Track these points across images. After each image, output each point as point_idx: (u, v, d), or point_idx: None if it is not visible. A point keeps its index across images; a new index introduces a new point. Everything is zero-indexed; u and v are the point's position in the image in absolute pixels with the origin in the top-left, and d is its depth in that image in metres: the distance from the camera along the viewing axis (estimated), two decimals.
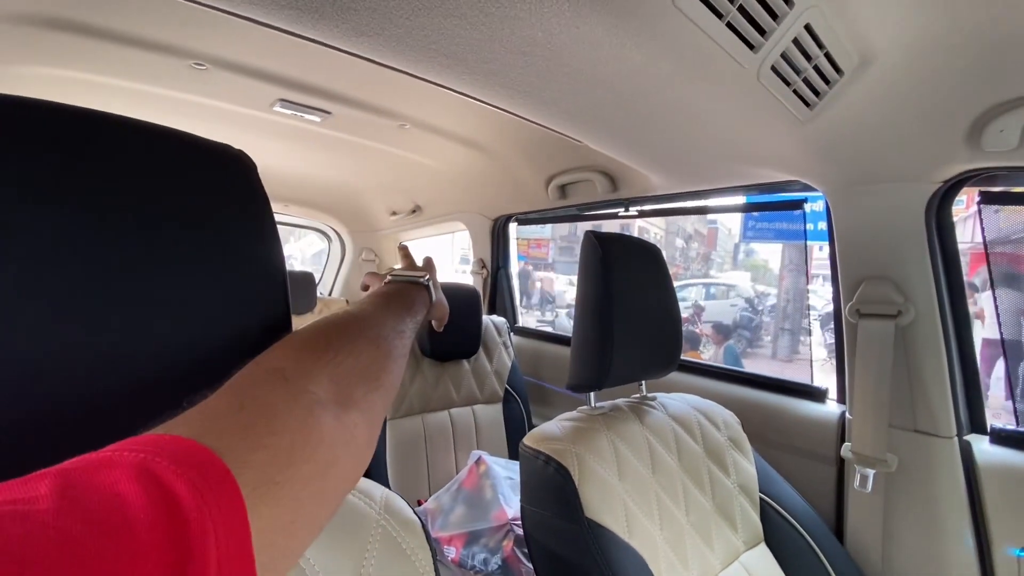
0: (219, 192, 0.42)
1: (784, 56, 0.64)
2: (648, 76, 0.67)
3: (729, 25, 0.57)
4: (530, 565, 1.07)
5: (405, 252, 0.74)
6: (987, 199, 0.89)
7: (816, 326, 6.30)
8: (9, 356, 0.29)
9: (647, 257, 0.94)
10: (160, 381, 0.35)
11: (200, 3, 0.63)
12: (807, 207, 1.12)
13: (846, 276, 0.98)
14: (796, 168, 0.94)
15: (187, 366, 0.37)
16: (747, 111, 0.74)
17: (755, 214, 6.90)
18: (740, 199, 1.26)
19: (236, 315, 0.40)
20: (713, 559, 0.83)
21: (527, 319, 1.98)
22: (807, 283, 6.83)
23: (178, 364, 0.36)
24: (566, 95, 0.73)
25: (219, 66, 1.04)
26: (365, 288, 0.70)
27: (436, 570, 0.51)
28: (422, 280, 0.60)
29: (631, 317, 0.86)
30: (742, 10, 0.56)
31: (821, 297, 7.06)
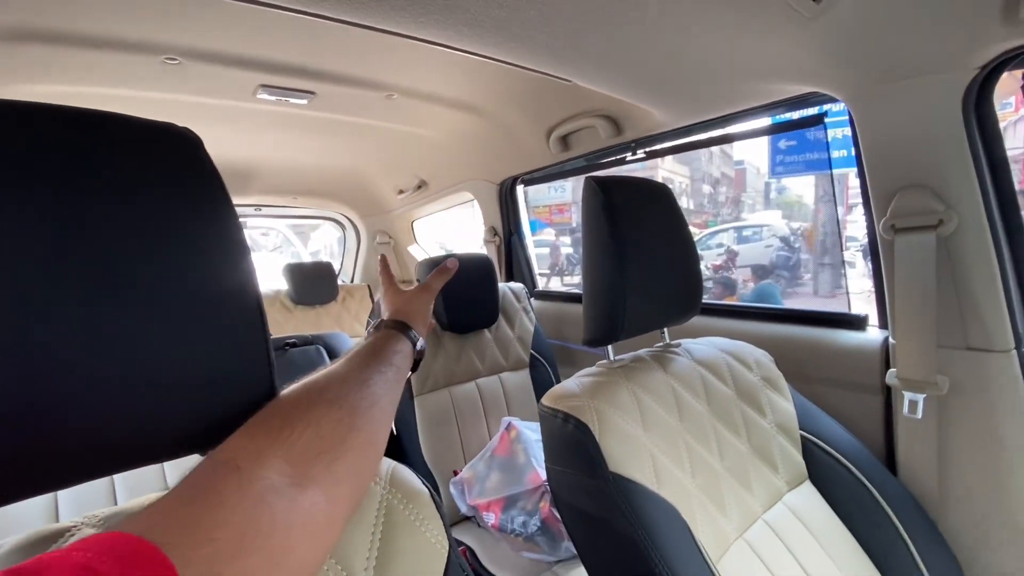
0: (164, 174, 0.40)
1: None
2: None
3: None
4: None
5: (384, 264, 0.73)
6: None
7: (859, 256, 6.02)
8: None
9: (655, 198, 0.88)
10: (110, 384, 0.34)
11: None
12: (828, 121, 1.02)
13: (877, 189, 0.90)
14: (810, 76, 0.85)
15: (144, 364, 0.35)
16: (747, 15, 0.66)
17: (783, 147, 6.55)
18: (754, 125, 1.17)
19: (195, 302, 0.38)
20: (754, 502, 0.80)
21: (556, 285, 1.94)
22: (845, 211, 6.50)
23: (131, 363, 0.34)
24: (539, 25, 0.67)
25: (193, 58, 1.02)
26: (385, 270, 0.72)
27: (450, 538, 0.50)
28: (385, 324, 0.59)
29: (642, 262, 0.81)
30: None
31: (862, 226, 6.72)
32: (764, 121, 1.14)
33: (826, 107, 1.04)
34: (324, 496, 0.35)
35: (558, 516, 1.09)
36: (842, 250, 5.72)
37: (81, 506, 0.97)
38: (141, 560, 0.23)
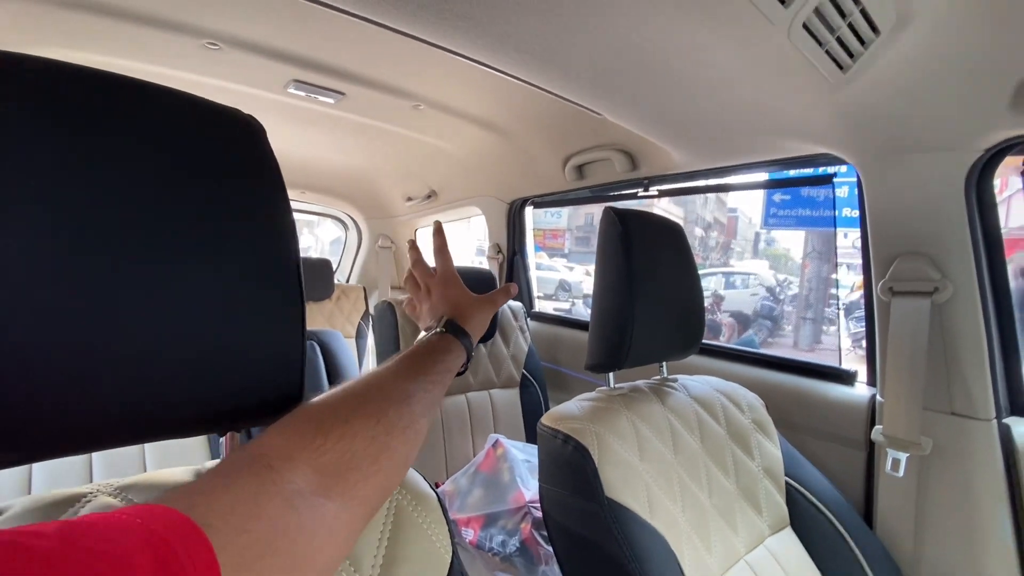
0: (228, 157, 0.41)
1: (817, 12, 0.60)
2: (673, 37, 0.64)
3: None
4: (549, 548, 1.06)
5: (415, 255, 0.67)
6: None
7: (841, 314, 6.16)
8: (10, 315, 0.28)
9: (668, 234, 0.92)
10: (158, 356, 0.34)
11: None
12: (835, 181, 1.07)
13: (879, 252, 0.94)
14: (826, 138, 0.89)
15: (189, 336, 0.36)
16: (776, 74, 0.71)
17: (777, 200, 6.74)
18: (763, 176, 1.22)
19: (244, 285, 0.39)
20: (737, 543, 0.81)
21: (543, 307, 1.96)
22: (831, 269, 6.67)
23: (178, 334, 0.35)
24: (584, 60, 0.70)
25: (233, 45, 1.04)
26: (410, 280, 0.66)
27: (453, 545, 0.50)
28: (439, 329, 0.56)
29: (652, 296, 0.84)
30: None
31: (844, 286, 6.90)
32: (762, 176, 1.19)
33: (833, 168, 1.09)
34: (346, 510, 0.35)
35: (539, 539, 1.09)
36: (837, 307, 5.85)
37: (113, 473, 0.97)
38: (185, 535, 0.24)
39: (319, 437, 0.36)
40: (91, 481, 0.44)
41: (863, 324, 1.06)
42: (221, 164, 0.40)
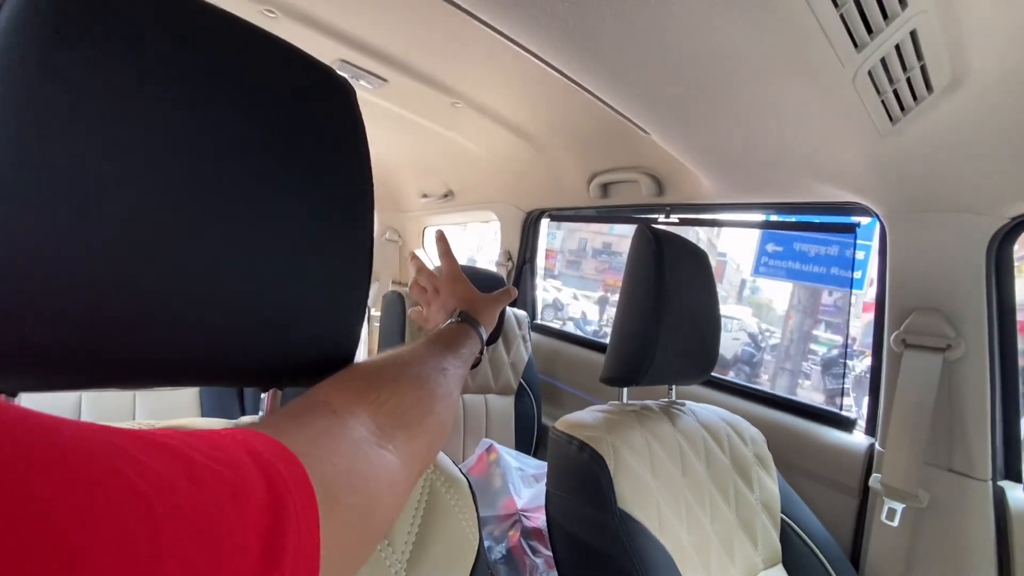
0: (320, 114, 0.41)
1: (883, 62, 0.63)
2: (739, 62, 0.66)
3: (841, 16, 0.55)
4: (536, 560, 1.05)
5: (444, 244, 0.68)
6: None
7: (816, 371, 6.26)
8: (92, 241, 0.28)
9: (696, 260, 0.93)
10: (228, 306, 0.34)
11: None
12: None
13: (895, 304, 0.96)
14: (860, 187, 0.92)
15: (261, 288, 0.35)
16: (831, 116, 0.73)
17: (769, 250, 6.88)
18: (784, 216, 1.25)
19: (321, 245, 0.39)
20: (734, 572, 0.81)
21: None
22: (813, 323, 6.80)
23: (244, 293, 0.35)
24: (644, 72, 0.72)
25: (289, 15, 1.04)
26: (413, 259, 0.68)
27: (480, 531, 0.49)
28: (454, 319, 0.57)
29: (676, 317, 0.85)
30: (856, 2, 0.54)
31: (823, 343, 7.02)
32: (796, 211, 1.22)
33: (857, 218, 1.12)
34: (403, 465, 0.35)
35: (526, 549, 1.07)
36: (807, 361, 5.94)
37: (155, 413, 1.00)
38: (284, 457, 0.23)
39: (372, 392, 0.37)
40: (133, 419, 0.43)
41: (839, 382, 1.08)
42: (313, 120, 0.40)
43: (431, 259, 1.91)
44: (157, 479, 0.16)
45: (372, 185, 0.44)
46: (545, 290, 1.93)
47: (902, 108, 0.71)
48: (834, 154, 0.85)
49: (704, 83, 0.73)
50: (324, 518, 0.23)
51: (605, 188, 1.46)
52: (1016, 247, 0.89)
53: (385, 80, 1.25)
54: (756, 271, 7.23)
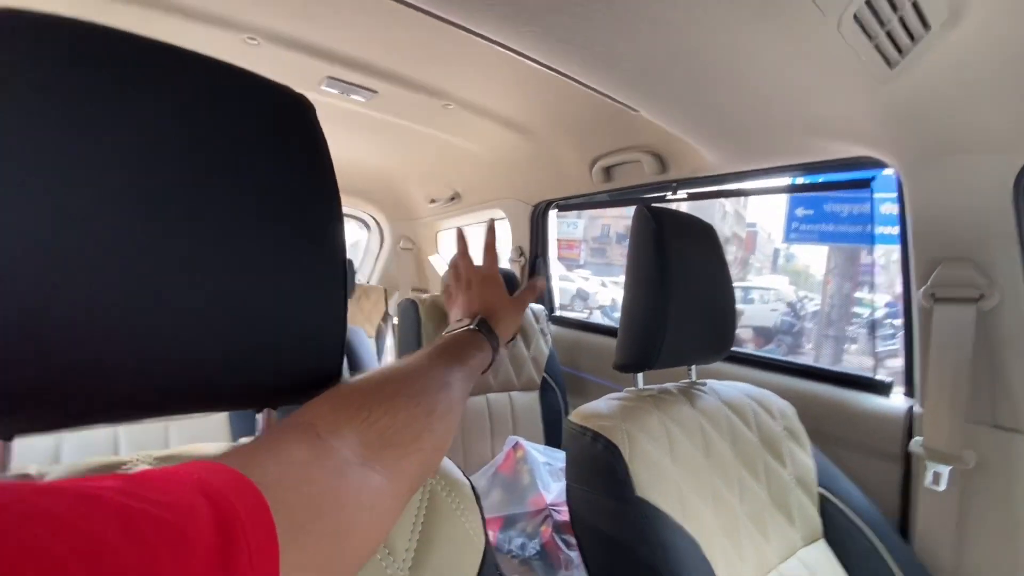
0: (279, 133, 0.41)
1: (869, 3, 0.59)
2: (720, 28, 0.63)
3: None
4: (570, 553, 1.04)
5: (463, 246, 0.66)
6: None
7: (863, 334, 6.02)
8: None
9: (702, 234, 0.90)
10: (203, 331, 0.34)
11: None
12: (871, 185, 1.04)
13: (920, 258, 0.91)
14: (868, 139, 0.87)
15: (234, 311, 0.36)
16: (822, 68, 0.69)
17: (799, 214, 6.64)
18: (793, 180, 1.20)
19: (289, 262, 0.39)
20: (770, 552, 0.78)
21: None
22: (853, 287, 6.54)
23: (223, 308, 0.35)
24: (625, 53, 0.70)
25: (272, 40, 1.06)
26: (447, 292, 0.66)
27: (485, 532, 0.49)
28: (472, 326, 0.55)
29: (685, 295, 0.82)
30: None
31: (867, 305, 6.74)
32: (807, 172, 1.17)
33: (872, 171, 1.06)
34: (390, 484, 0.35)
35: (559, 543, 1.06)
36: (853, 324, 5.72)
37: (138, 448, 0.99)
38: (242, 490, 0.23)
39: (364, 411, 0.36)
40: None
41: (888, 343, 1.03)
42: (272, 140, 0.40)
43: (446, 263, 1.91)
44: (82, 540, 0.16)
45: (339, 199, 0.44)
46: (571, 280, 1.90)
47: (899, 51, 0.67)
48: (833, 108, 0.81)
49: (688, 57, 0.71)
50: (287, 547, 0.23)
51: (608, 172, 1.43)
52: None
53: (375, 91, 1.26)
54: (787, 238, 7.00)
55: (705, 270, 0.88)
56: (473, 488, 0.51)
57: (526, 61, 0.82)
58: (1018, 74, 0.68)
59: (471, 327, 0.55)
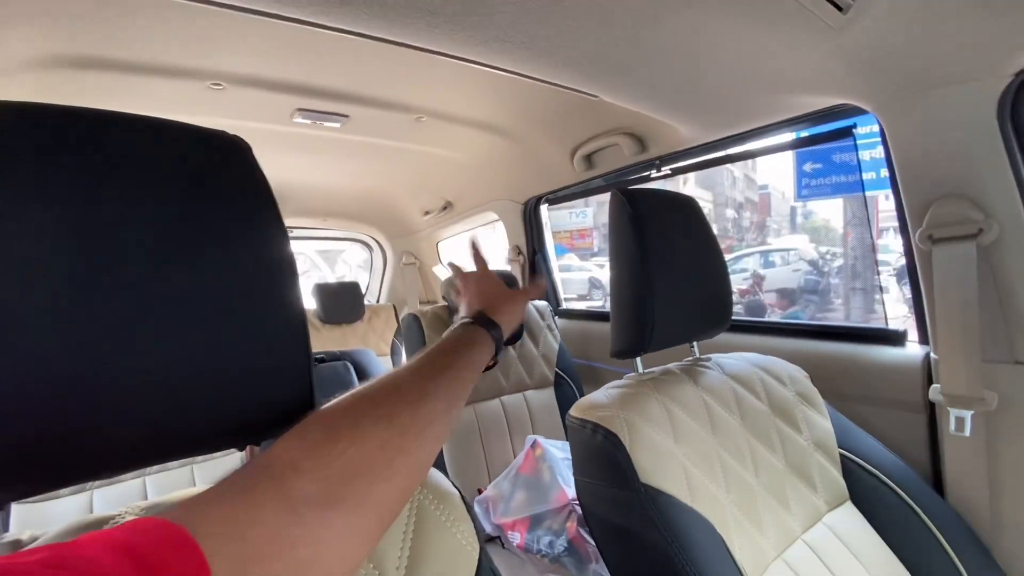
0: (216, 178, 0.42)
1: None
2: (656, 2, 0.62)
3: None
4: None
5: (476, 250, 0.70)
6: None
7: (892, 281, 5.84)
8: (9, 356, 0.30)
9: (682, 210, 0.89)
10: (153, 375, 0.35)
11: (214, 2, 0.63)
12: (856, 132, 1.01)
13: (912, 200, 0.88)
14: (838, 87, 0.85)
15: (186, 358, 0.36)
16: (772, 25, 0.67)
17: (808, 169, 6.47)
18: (779, 139, 1.16)
19: (241, 302, 0.40)
20: (792, 522, 0.77)
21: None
22: (876, 234, 6.35)
23: (174, 356, 0.36)
24: (568, 40, 0.69)
25: (237, 83, 1.08)
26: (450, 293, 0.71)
27: (480, 541, 0.49)
28: (467, 319, 0.56)
29: (671, 274, 0.81)
30: None
31: (893, 251, 6.52)
32: (789, 136, 1.14)
33: (853, 119, 1.03)
34: (358, 515, 0.34)
35: (586, 536, 1.06)
36: (876, 272, 5.55)
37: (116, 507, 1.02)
38: (175, 544, 0.24)
39: (327, 443, 0.36)
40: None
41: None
42: (211, 184, 0.41)
43: (450, 273, 1.93)
44: None
45: (285, 230, 0.45)
46: (589, 270, 1.90)
47: None
48: (796, 63, 0.78)
49: (633, 34, 0.70)
50: None
51: (589, 159, 1.42)
52: None
53: (347, 116, 1.28)
54: (799, 195, 6.84)
55: (689, 245, 0.87)
56: (463, 498, 0.51)
57: (490, 69, 0.82)
58: None
59: (465, 320, 0.56)
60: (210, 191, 0.41)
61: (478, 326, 0.54)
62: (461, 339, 0.52)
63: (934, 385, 0.88)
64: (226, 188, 0.42)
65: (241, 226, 0.42)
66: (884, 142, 0.91)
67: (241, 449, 0.46)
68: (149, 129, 0.40)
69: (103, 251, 0.34)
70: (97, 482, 1.03)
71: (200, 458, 1.13)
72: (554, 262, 1.89)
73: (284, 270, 0.43)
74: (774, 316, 6.57)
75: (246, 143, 0.46)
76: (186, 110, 1.13)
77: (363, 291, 2.55)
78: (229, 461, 1.10)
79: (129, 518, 0.40)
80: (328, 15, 0.62)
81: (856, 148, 1.01)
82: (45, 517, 0.92)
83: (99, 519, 0.40)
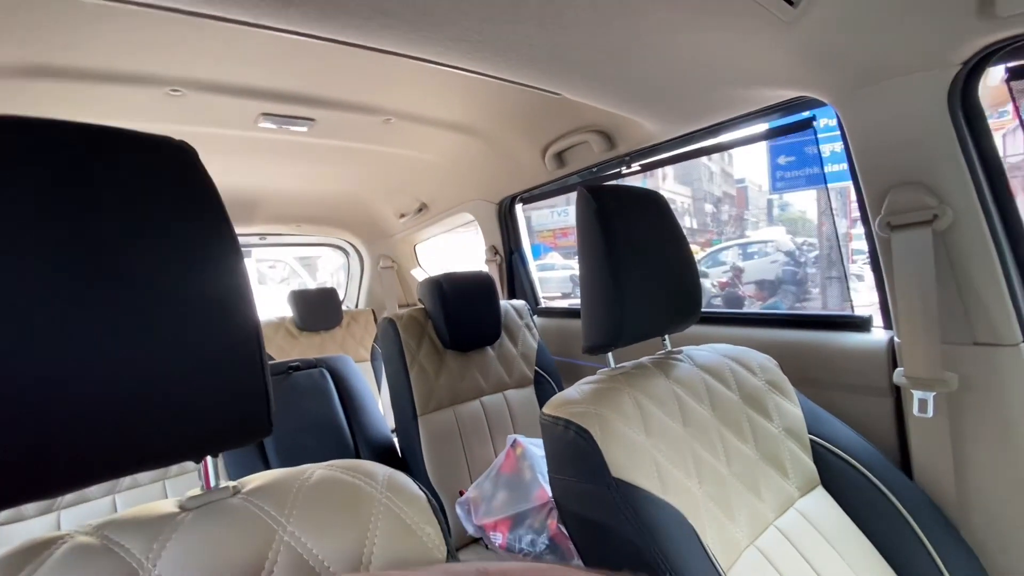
0: (161, 183, 0.41)
1: None
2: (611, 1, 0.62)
3: None
4: None
5: None
6: (1016, 74, 0.79)
7: (867, 269, 5.97)
8: None
9: (648, 205, 0.89)
10: (107, 389, 0.35)
11: (166, 7, 0.62)
12: (817, 124, 1.03)
13: (870, 188, 0.90)
14: (794, 80, 0.86)
15: (138, 371, 0.36)
16: (724, 21, 0.68)
17: (782, 162, 6.60)
18: (746, 132, 1.18)
19: (190, 308, 0.39)
20: (765, 509, 0.78)
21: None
22: (849, 223, 6.50)
23: (126, 369, 0.35)
24: (524, 39, 0.69)
25: (197, 89, 1.05)
26: None
27: (448, 543, 0.49)
28: None
29: (638, 268, 0.82)
30: None
31: (861, 237, 6.66)
32: (755, 128, 1.16)
33: (812, 110, 1.05)
34: None
35: (566, 532, 1.06)
36: (844, 261, 5.68)
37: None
38: None
39: None
40: None
41: None
42: (155, 190, 0.40)
43: (427, 275, 1.91)
44: None
45: (233, 233, 0.44)
46: (572, 268, 1.91)
47: None
48: (751, 58, 0.80)
49: (587, 31, 0.70)
50: None
51: (560, 157, 1.43)
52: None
53: (312, 120, 1.26)
54: (774, 188, 6.97)
55: (657, 239, 0.87)
56: (429, 500, 0.51)
57: (452, 69, 0.82)
58: None
59: None
60: (156, 198, 0.40)
61: None
62: None
63: (898, 368, 0.90)
64: (172, 195, 0.41)
65: (190, 235, 0.41)
66: (842, 133, 0.93)
67: (197, 462, 0.45)
68: (92, 137, 0.40)
69: (49, 264, 0.33)
70: (64, 503, 1.00)
71: (173, 473, 1.10)
72: (531, 261, 1.89)
73: (235, 278, 0.43)
74: (754, 308, 6.68)
75: (191, 148, 0.45)
76: (144, 117, 1.10)
77: (341, 297, 2.52)
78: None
79: (81, 538, 0.39)
80: (278, 17, 0.61)
81: (817, 140, 1.02)
82: (9, 540, 0.89)
83: (49, 539, 0.39)
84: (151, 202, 0.39)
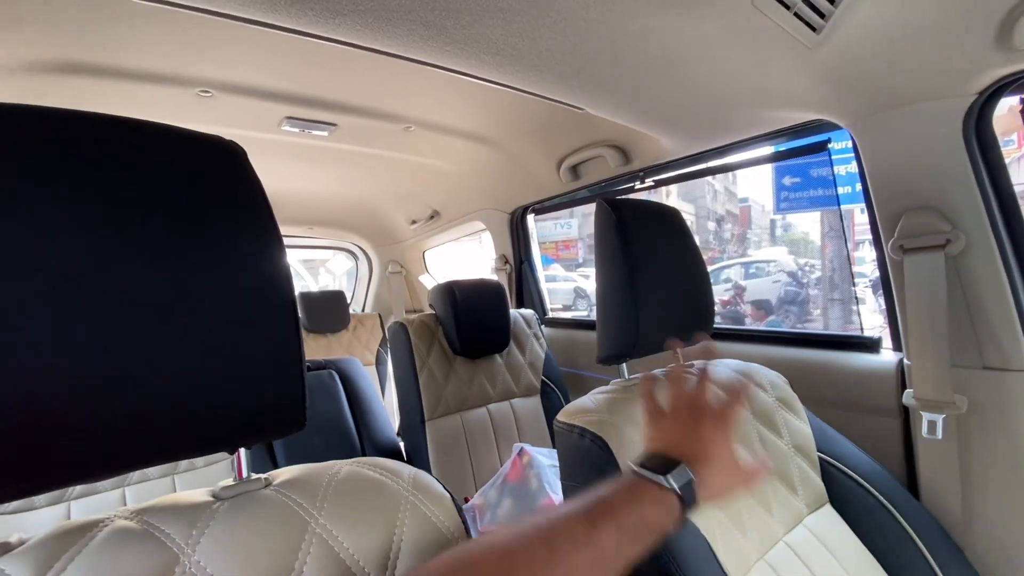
0: (211, 183, 0.43)
1: None
2: (638, 19, 0.65)
3: None
4: None
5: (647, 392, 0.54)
6: None
7: (868, 292, 5.99)
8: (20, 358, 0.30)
9: (665, 219, 0.91)
10: (163, 383, 0.36)
11: (195, 8, 0.64)
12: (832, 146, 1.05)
13: (883, 212, 0.92)
14: (812, 103, 0.88)
15: (180, 363, 0.37)
16: (748, 44, 0.70)
17: (787, 183, 6.64)
18: (759, 152, 1.20)
19: (234, 305, 0.41)
20: (774, 524, 0.78)
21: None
22: (852, 247, 6.52)
23: (173, 364, 0.37)
24: (555, 54, 0.71)
25: (225, 91, 1.08)
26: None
27: (466, 529, 0.50)
28: (662, 482, 0.42)
29: (655, 282, 0.83)
30: None
31: (868, 262, 6.69)
32: (769, 149, 1.18)
33: (827, 133, 1.07)
34: None
35: None
36: (852, 284, 5.70)
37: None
38: None
39: None
40: None
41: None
42: (208, 189, 0.42)
43: (436, 282, 1.92)
44: None
45: (278, 231, 0.46)
46: (574, 280, 1.91)
47: (820, 15, 0.68)
48: (772, 79, 0.82)
49: (615, 50, 0.73)
50: None
51: (575, 170, 1.45)
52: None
53: (335, 125, 1.28)
54: (778, 208, 7.00)
55: (673, 253, 0.89)
56: (454, 499, 0.52)
57: (479, 81, 0.84)
58: (943, 19, 0.69)
59: (645, 463, 0.45)
60: (207, 195, 0.42)
61: (655, 480, 0.43)
62: (632, 493, 0.42)
63: (907, 390, 0.91)
64: (222, 193, 0.43)
65: (237, 231, 0.42)
66: (857, 156, 0.95)
67: (231, 453, 0.46)
68: (146, 132, 0.41)
69: (99, 251, 0.34)
70: (75, 493, 1.00)
71: (182, 468, 1.11)
72: (540, 271, 1.91)
73: (279, 275, 0.44)
74: (755, 326, 6.69)
75: (241, 149, 0.47)
76: (173, 117, 1.12)
77: (348, 300, 2.53)
78: (212, 471, 1.08)
79: (120, 521, 0.40)
80: (324, 26, 0.63)
81: (831, 162, 1.04)
82: (21, 528, 0.90)
83: (90, 522, 0.40)
84: (202, 198, 0.41)
